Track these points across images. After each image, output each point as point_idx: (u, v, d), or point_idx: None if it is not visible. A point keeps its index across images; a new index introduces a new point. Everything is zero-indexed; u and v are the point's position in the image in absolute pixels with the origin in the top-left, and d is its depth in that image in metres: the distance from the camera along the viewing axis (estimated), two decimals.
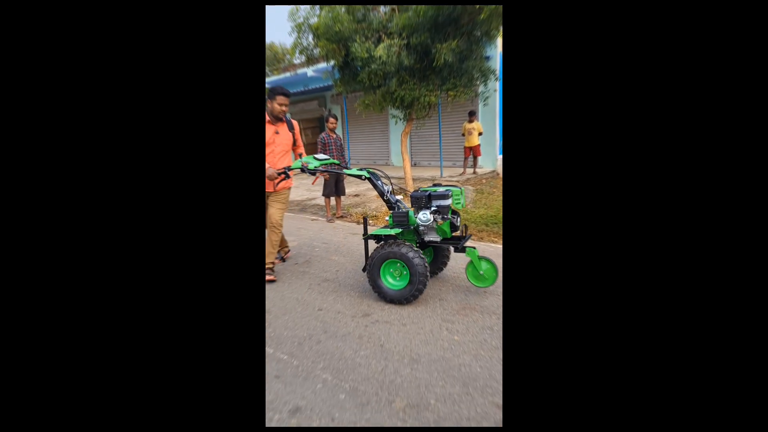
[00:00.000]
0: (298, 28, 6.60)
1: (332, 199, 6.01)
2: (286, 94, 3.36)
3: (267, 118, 3.33)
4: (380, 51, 5.76)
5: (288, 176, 3.26)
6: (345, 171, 3.13)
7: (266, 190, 3.34)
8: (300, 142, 3.73)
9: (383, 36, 6.03)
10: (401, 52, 5.86)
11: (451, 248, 3.15)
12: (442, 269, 3.35)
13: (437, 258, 3.32)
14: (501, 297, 2.92)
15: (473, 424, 1.66)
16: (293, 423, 1.71)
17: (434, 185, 3.07)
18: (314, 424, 1.70)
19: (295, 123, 3.64)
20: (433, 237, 3.01)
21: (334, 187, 5.85)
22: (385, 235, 2.92)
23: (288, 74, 14.56)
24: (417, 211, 2.93)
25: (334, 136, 5.85)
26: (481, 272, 2.90)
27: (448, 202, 2.89)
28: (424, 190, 2.97)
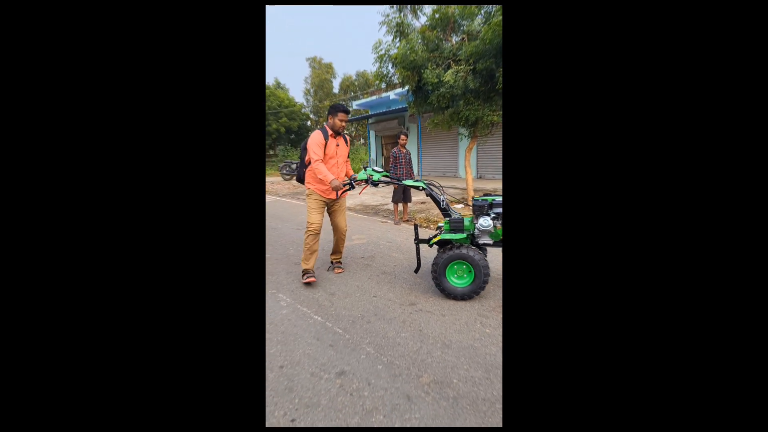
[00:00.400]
0: (380, 59, 6.88)
1: (400, 204, 6.17)
2: (347, 111, 3.30)
3: (330, 132, 3.30)
4: (448, 76, 5.84)
5: (353, 187, 3.24)
6: (403, 182, 3.24)
7: (329, 198, 3.35)
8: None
9: (452, 63, 6.09)
10: (467, 77, 5.88)
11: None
12: None
13: None
14: None
15: (488, 405, 1.70)
16: (338, 383, 1.88)
17: (484, 195, 3.09)
18: (354, 386, 1.85)
19: (347, 138, 3.54)
20: (486, 240, 3.01)
21: (402, 194, 6.02)
22: (448, 240, 2.95)
23: (374, 97, 15.18)
24: (477, 218, 2.94)
25: (404, 150, 6.03)
26: None
27: (501, 210, 2.91)
28: (484, 199, 3.00)
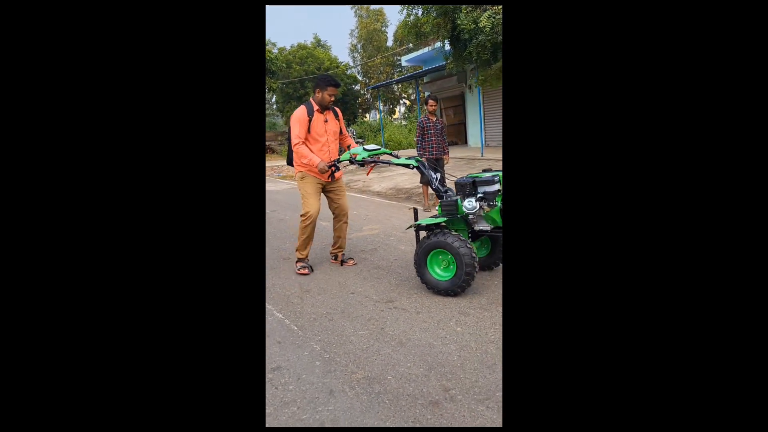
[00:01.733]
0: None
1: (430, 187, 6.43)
2: (337, 85, 3.73)
3: (315, 107, 3.70)
4: (485, 20, 5.95)
5: (338, 169, 3.67)
6: (393, 161, 3.53)
7: (324, 181, 3.77)
8: (345, 132, 4.02)
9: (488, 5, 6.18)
10: None
11: None
12: (499, 263, 3.55)
13: (495, 249, 3.53)
14: None
15: (410, 401, 2.01)
16: (268, 378, 2.30)
17: (484, 170, 3.29)
18: (283, 381, 2.26)
19: (338, 111, 3.93)
20: (482, 226, 3.20)
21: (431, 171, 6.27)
22: (432, 225, 3.21)
23: (427, 49, 15.29)
24: (463, 199, 3.14)
25: (434, 119, 6.23)
26: None
27: (495, 188, 3.10)
28: (470, 177, 3.20)
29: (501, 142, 13.14)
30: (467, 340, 2.53)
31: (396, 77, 27.61)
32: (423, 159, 3.94)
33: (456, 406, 1.95)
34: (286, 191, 9.38)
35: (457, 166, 10.42)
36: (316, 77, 4.17)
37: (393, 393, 2.08)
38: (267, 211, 6.99)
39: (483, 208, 3.10)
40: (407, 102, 31.71)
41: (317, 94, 3.71)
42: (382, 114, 27.09)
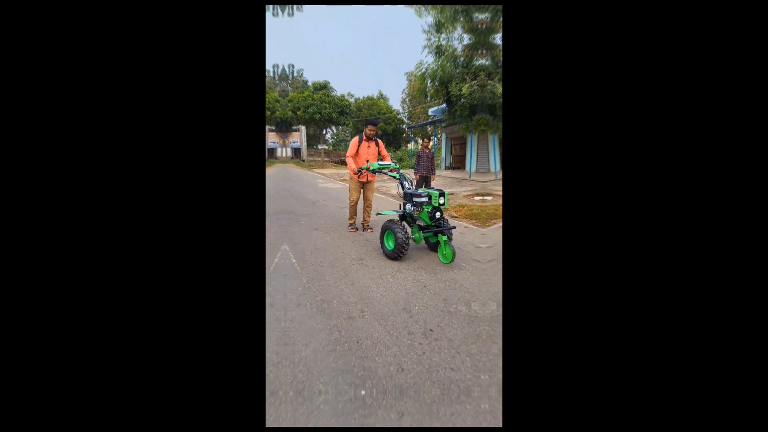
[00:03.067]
0: (421, 77, 7.22)
1: None
2: (374, 123, 4.27)
3: (364, 137, 4.27)
4: (465, 89, 5.97)
5: (361, 173, 4.11)
6: (389, 173, 3.84)
7: (362, 181, 4.30)
8: (384, 153, 4.49)
9: (467, 78, 6.17)
10: (481, 90, 5.92)
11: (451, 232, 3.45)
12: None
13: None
14: (446, 268, 3.17)
15: (337, 315, 2.24)
16: (267, 290, 2.59)
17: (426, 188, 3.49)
18: (274, 296, 2.54)
19: (380, 141, 4.42)
20: (421, 223, 3.45)
21: (422, 185, 6.39)
22: (386, 215, 3.63)
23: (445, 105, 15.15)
24: (407, 204, 3.49)
25: (427, 150, 6.36)
26: (444, 253, 3.22)
27: (422, 200, 3.31)
28: (409, 191, 3.50)
29: (486, 170, 12.91)
30: (393, 287, 2.71)
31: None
32: (414, 177, 4.69)
33: (363, 322, 2.16)
34: (338, 189, 9.69)
35: (446, 183, 10.39)
36: (365, 119, 4.89)
37: (331, 310, 2.31)
38: (318, 199, 7.33)
39: (415, 211, 3.42)
40: (436, 138, 31.34)
41: (365, 130, 4.28)
42: (416, 145, 27.24)
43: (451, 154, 17.71)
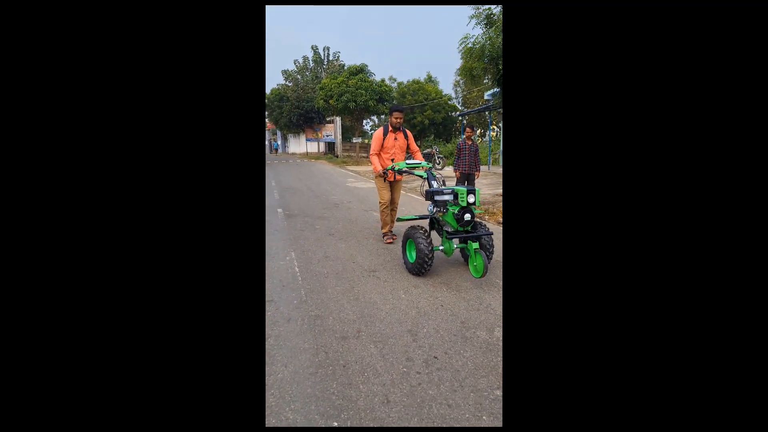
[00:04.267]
0: (467, 52, 7.13)
1: None
2: (401, 110, 4.30)
3: (390, 128, 4.28)
4: None
5: (387, 174, 4.12)
6: (414, 172, 3.76)
7: (390, 180, 4.33)
8: (414, 146, 4.59)
9: None
10: None
11: (491, 239, 3.39)
12: (489, 253, 3.37)
13: (482, 245, 3.32)
14: (473, 284, 3.09)
15: (329, 335, 2.28)
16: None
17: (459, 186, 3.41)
18: (268, 309, 2.65)
19: (408, 132, 4.45)
20: (449, 228, 3.28)
21: (464, 184, 6.27)
22: (407, 220, 3.60)
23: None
24: (429, 204, 3.38)
25: (470, 142, 6.23)
26: (475, 264, 2.99)
27: (445, 198, 3.20)
28: (430, 189, 3.35)
29: None
30: (402, 304, 2.71)
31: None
32: (455, 174, 5.29)
33: (356, 344, 2.19)
34: (369, 189, 9.82)
35: (496, 182, 10.03)
36: (391, 107, 4.80)
37: (324, 327, 2.37)
38: (342, 200, 7.49)
39: (437, 213, 3.30)
40: (495, 128, 30.58)
41: (390, 119, 4.30)
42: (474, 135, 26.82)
43: None
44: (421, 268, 3.17)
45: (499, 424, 1.57)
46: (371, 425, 1.56)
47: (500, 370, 1.92)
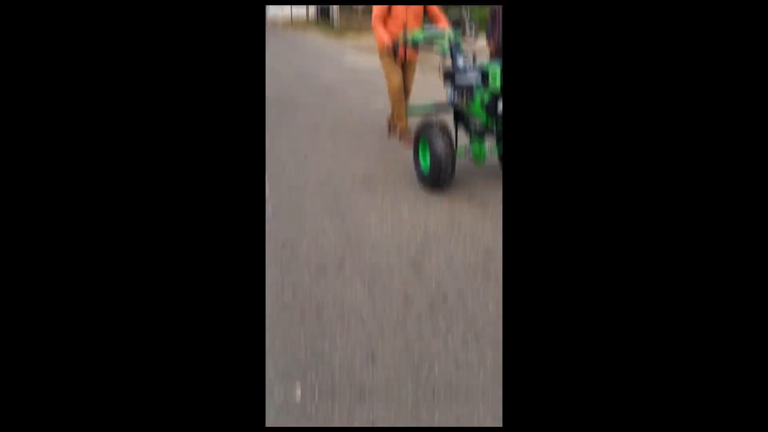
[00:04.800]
0: None
1: None
2: None
3: None
4: None
5: (397, 50, 3.82)
6: (435, 46, 3.48)
7: (401, 59, 4.05)
8: (435, 10, 4.17)
9: None
10: None
11: None
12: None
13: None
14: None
15: (301, 264, 2.14)
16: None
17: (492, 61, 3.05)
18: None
19: None
20: (476, 123, 3.05)
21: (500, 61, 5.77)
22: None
23: None
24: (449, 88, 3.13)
25: None
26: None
27: (470, 81, 2.89)
28: (451, 69, 3.09)
29: None
30: (405, 225, 2.59)
31: None
32: (488, 46, 4.84)
33: (337, 280, 2.09)
34: (371, 69, 9.26)
35: None
36: None
37: (295, 255, 2.27)
38: (336, 83, 7.11)
39: (461, 100, 2.98)
40: None
41: None
42: None
43: None
44: (437, 178, 2.92)
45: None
46: (347, 389, 1.48)
47: None
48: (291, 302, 1.91)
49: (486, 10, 6.33)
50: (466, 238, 2.42)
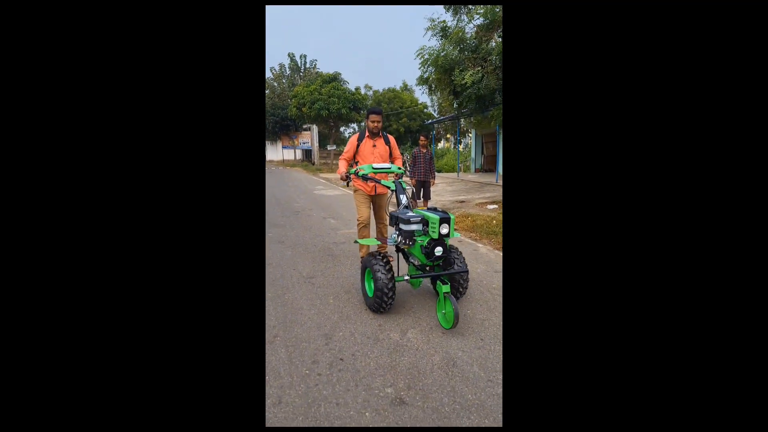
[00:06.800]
0: (423, 63, 7.31)
1: (419, 202, 6.57)
2: (377, 112, 3.56)
3: (366, 134, 3.58)
4: (467, 78, 5.98)
5: (350, 179, 3.47)
6: (382, 182, 3.08)
7: (370, 194, 3.62)
8: (397, 153, 3.74)
9: (470, 65, 6.18)
10: (486, 76, 5.90)
11: (467, 277, 2.86)
12: (459, 293, 2.87)
13: (453, 282, 2.82)
14: (405, 289, 3.17)
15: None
16: None
17: (429, 209, 2.70)
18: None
19: (391, 138, 3.74)
20: (416, 262, 2.74)
21: (420, 191, 6.41)
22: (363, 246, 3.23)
23: None
24: (394, 231, 2.80)
25: (425, 150, 6.38)
26: (444, 312, 2.46)
27: (412, 227, 2.58)
28: (396, 213, 2.77)
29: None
30: (327, 309, 2.76)
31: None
32: (410, 182, 4.45)
33: (268, 348, 2.22)
34: (336, 197, 9.80)
35: (466, 188, 10.28)
36: (367, 109, 3.90)
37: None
38: (304, 208, 7.49)
39: (403, 243, 2.66)
40: (469, 135, 31.22)
41: (366, 122, 3.64)
42: (449, 143, 27.15)
43: (482, 154, 17.57)
44: (380, 304, 2.60)
45: (369, 418, 1.64)
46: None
47: (399, 369, 2.00)
48: None
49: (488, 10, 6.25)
50: (369, 315, 2.64)
